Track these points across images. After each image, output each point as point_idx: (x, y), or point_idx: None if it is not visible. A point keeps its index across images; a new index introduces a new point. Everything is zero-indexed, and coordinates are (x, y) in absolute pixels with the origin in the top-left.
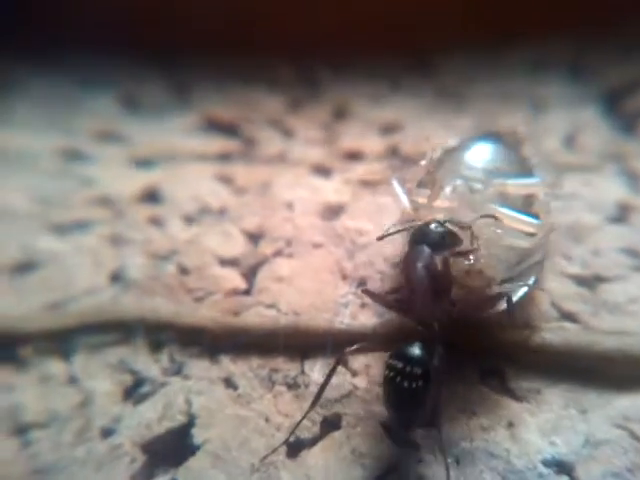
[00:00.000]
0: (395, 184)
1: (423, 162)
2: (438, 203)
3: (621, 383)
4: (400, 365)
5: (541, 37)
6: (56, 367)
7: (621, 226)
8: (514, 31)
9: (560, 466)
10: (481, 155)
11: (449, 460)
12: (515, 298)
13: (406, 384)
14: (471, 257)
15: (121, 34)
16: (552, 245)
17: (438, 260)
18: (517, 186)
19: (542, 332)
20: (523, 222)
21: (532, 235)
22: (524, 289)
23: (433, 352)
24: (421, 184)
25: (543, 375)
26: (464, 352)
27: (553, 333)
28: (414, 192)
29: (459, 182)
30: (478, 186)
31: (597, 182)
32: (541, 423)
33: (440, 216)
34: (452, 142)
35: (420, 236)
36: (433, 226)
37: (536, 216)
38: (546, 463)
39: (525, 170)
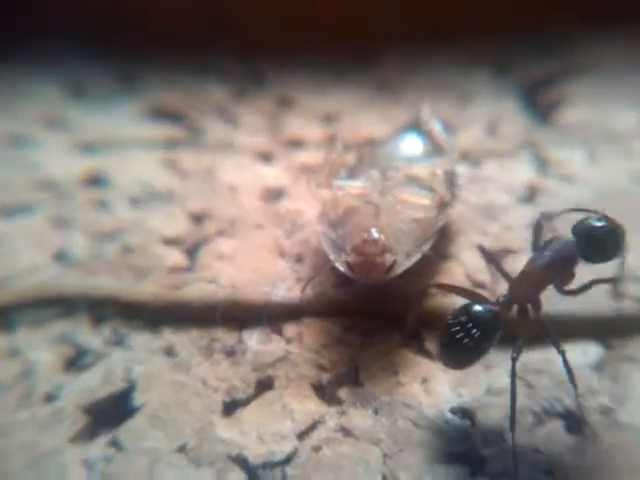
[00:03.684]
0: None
1: (334, 153)
2: (353, 190)
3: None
4: (463, 319)
5: (473, 35)
6: None
7: (529, 205)
8: (450, 28)
9: (464, 413)
10: (400, 144)
11: (370, 411)
12: (408, 264)
13: (461, 337)
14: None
15: (70, 23)
16: (469, 222)
17: (574, 255)
18: (421, 167)
19: (454, 298)
20: (420, 196)
21: (427, 206)
22: (417, 255)
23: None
24: (342, 173)
25: None
26: (389, 318)
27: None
28: (335, 181)
29: (374, 171)
30: (391, 173)
31: (511, 166)
32: (451, 378)
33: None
34: (380, 133)
35: (579, 229)
36: (597, 224)
37: (432, 190)
38: (453, 411)
39: (436, 154)
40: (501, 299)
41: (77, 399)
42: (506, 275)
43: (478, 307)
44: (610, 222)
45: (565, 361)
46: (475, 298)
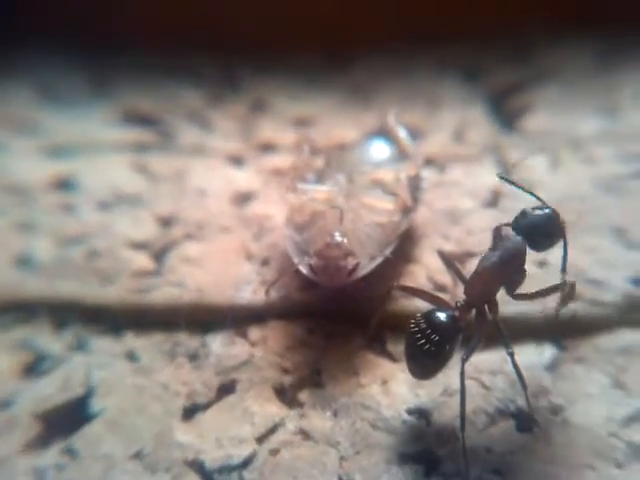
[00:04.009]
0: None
1: (300, 158)
2: (320, 194)
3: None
4: (424, 325)
5: (443, 43)
6: None
7: (492, 209)
8: (421, 36)
9: (421, 413)
10: (367, 149)
11: (329, 413)
12: (371, 267)
13: (422, 344)
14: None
15: (42, 25)
16: (432, 226)
17: (521, 250)
18: (386, 172)
19: (416, 302)
20: (383, 200)
21: (390, 211)
22: (380, 258)
23: (460, 331)
24: (310, 177)
25: None
26: (352, 321)
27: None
28: (300, 185)
29: (340, 175)
30: (357, 177)
31: (476, 171)
32: (410, 379)
33: None
34: (350, 137)
35: (519, 223)
36: (535, 214)
37: (395, 194)
38: (410, 411)
39: (401, 159)
40: (459, 303)
41: (32, 406)
42: (462, 279)
43: (437, 313)
44: (543, 208)
45: (514, 362)
46: (435, 301)
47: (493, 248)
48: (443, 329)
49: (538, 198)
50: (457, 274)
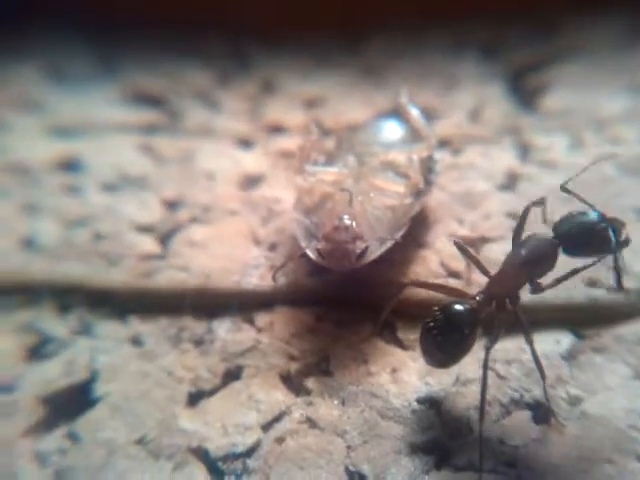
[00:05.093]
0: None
1: (310, 138)
2: (329, 176)
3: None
4: (441, 317)
5: (460, 19)
6: None
7: (508, 193)
8: (437, 12)
9: (431, 402)
10: (379, 130)
11: (336, 402)
12: (381, 251)
13: (439, 336)
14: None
15: (48, 4)
16: (446, 210)
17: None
18: (397, 153)
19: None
20: (394, 183)
21: (401, 193)
22: (390, 242)
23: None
24: (319, 159)
25: None
26: (362, 307)
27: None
28: (308, 167)
29: (350, 157)
30: (368, 158)
31: (493, 153)
32: (420, 367)
33: None
34: (362, 118)
35: (561, 225)
36: (580, 221)
37: (407, 176)
38: (420, 400)
39: (414, 140)
40: (480, 297)
41: (36, 389)
42: (485, 271)
43: (456, 306)
44: (597, 217)
45: (533, 351)
46: (453, 294)
47: (517, 232)
48: (463, 322)
49: (602, 214)
50: (476, 264)
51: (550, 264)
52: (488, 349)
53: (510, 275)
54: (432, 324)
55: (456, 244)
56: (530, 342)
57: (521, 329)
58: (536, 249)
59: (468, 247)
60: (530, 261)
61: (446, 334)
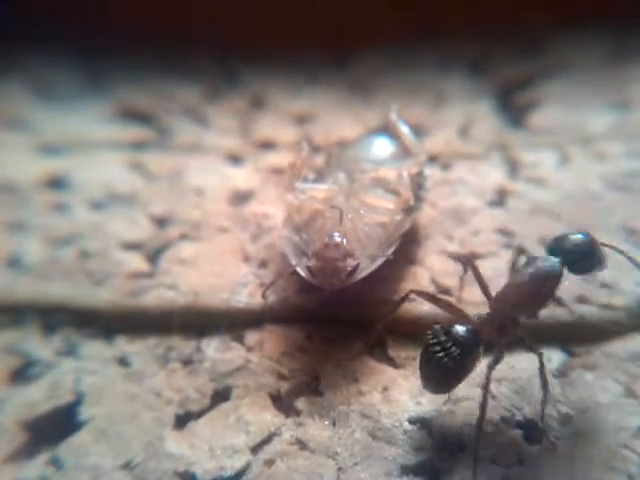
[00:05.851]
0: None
1: (301, 155)
2: (319, 193)
3: None
4: (443, 338)
5: (448, 36)
6: None
7: (498, 209)
8: (425, 29)
9: (422, 422)
10: (369, 146)
11: (327, 422)
12: (372, 268)
13: (440, 358)
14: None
15: (37, 22)
16: (436, 226)
17: (558, 273)
18: (387, 170)
19: (419, 305)
20: (385, 199)
21: (391, 210)
22: (381, 259)
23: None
24: (309, 176)
25: (419, 344)
26: (352, 325)
27: (429, 306)
28: (298, 184)
29: (341, 174)
30: (358, 175)
31: (482, 169)
32: (412, 386)
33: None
34: (352, 135)
35: (558, 246)
36: (577, 242)
37: (397, 193)
38: (411, 420)
39: (404, 157)
40: (482, 317)
41: (19, 414)
42: (488, 295)
43: (458, 328)
44: (587, 236)
45: (542, 365)
46: (454, 312)
47: (513, 268)
48: (465, 344)
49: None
50: (484, 292)
51: (556, 282)
52: (490, 368)
53: (513, 297)
54: (434, 343)
55: (463, 263)
56: (541, 363)
57: (528, 349)
58: (539, 268)
59: (480, 273)
60: (534, 280)
61: (447, 354)
